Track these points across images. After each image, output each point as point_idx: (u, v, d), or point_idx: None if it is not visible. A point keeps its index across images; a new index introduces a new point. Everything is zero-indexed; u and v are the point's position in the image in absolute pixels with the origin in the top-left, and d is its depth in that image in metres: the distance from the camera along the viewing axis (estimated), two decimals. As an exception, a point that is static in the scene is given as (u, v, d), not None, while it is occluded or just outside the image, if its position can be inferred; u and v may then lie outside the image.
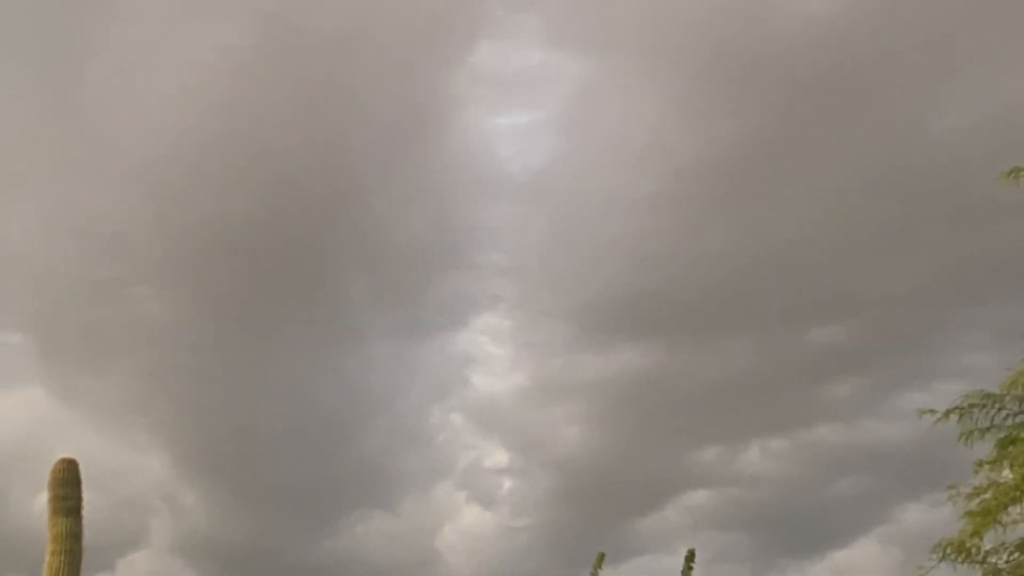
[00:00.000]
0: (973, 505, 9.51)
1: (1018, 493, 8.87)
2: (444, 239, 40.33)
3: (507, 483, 37.98)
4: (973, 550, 9.37)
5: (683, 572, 14.34)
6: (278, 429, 37.11)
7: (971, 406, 9.57)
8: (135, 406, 36.25)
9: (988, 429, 9.52)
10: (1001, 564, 9.23)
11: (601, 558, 14.73)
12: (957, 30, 31.71)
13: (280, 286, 38.12)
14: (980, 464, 9.54)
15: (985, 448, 9.61)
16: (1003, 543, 9.56)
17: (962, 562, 9.36)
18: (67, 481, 9.86)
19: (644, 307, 36.92)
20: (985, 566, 9.31)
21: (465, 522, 36.31)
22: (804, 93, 33.75)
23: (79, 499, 9.86)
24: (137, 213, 35.19)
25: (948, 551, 9.45)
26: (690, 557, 14.58)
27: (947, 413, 9.74)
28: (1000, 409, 9.47)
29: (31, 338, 37.18)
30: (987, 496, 9.40)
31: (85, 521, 9.93)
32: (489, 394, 40.13)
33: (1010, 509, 9.18)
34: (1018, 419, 9.27)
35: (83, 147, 36.46)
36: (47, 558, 9.69)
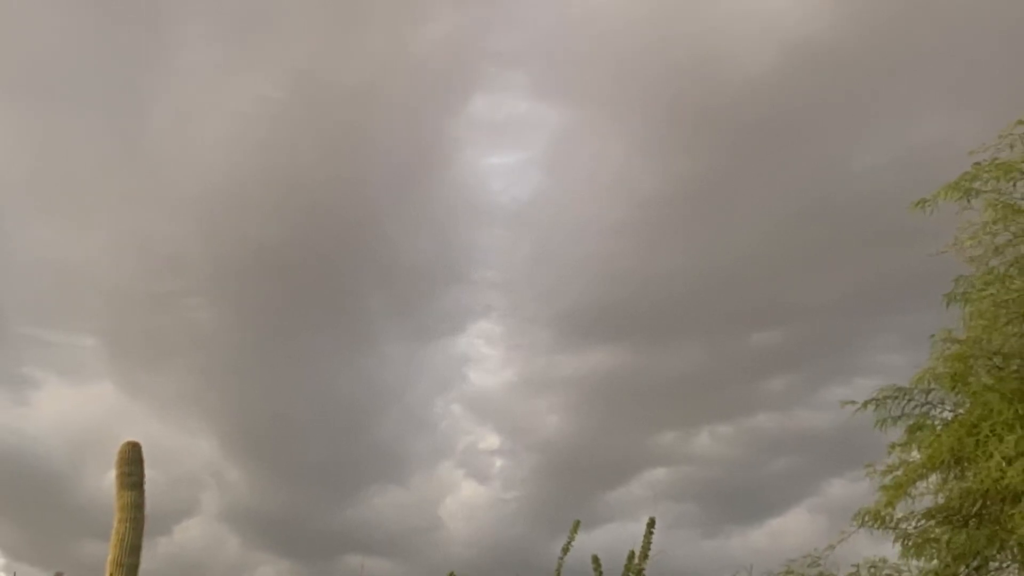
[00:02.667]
0: (887, 480, 9.64)
1: (924, 470, 9.14)
2: (446, 258, 41.12)
3: (498, 462, 38.33)
4: (887, 518, 9.56)
5: (645, 536, 14.44)
6: (307, 417, 37.62)
7: (885, 398, 9.79)
8: (188, 398, 36.73)
9: (899, 417, 9.77)
10: (911, 529, 9.46)
11: (577, 525, 14.94)
12: (873, 84, 32.37)
13: (309, 298, 38.82)
14: (893, 446, 9.77)
15: (897, 433, 9.81)
16: (912, 512, 9.73)
17: (877, 528, 9.36)
18: (132, 460, 10.02)
19: (612, 315, 37.77)
20: (897, 531, 9.47)
21: (463, 495, 36.54)
22: (745, 136, 34.58)
23: (142, 475, 10.02)
24: (190, 236, 35.96)
25: (866, 519, 9.64)
26: (651, 524, 14.75)
27: (865, 404, 9.77)
28: (909, 400, 9.71)
29: (102, 341, 37.77)
30: (898, 473, 9.59)
31: (146, 494, 9.93)
32: (483, 388, 40.70)
33: (918, 483, 9.34)
34: (924, 408, 9.45)
35: (145, 182, 37.14)
36: (115, 525, 9.84)
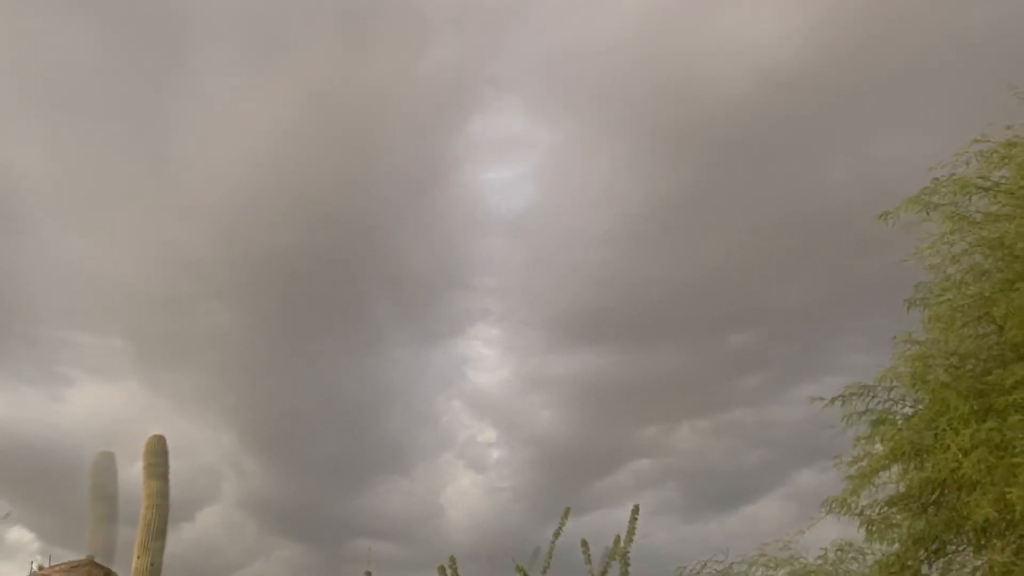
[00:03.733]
0: (852, 471, 9.74)
1: (887, 461, 9.37)
2: (447, 266, 41.64)
3: (495, 454, 38.77)
4: (852, 505, 9.66)
5: (630, 522, 14.58)
6: (318, 412, 38.01)
7: (851, 395, 9.78)
8: (208, 395, 37.12)
9: (864, 412, 9.76)
10: (874, 516, 9.56)
11: (567, 512, 15.29)
12: (841, 106, 32.82)
13: (320, 302, 39.25)
14: (858, 439, 9.79)
15: (861, 427, 9.80)
16: (875, 499, 9.76)
17: (844, 514, 9.47)
18: (158, 452, 10.17)
19: (601, 319, 38.29)
20: (862, 517, 9.54)
21: (463, 484, 36.92)
22: (724, 154, 35.12)
23: (167, 466, 10.15)
24: (210, 245, 36.46)
25: (833, 506, 9.71)
26: (635, 511, 15.16)
27: (832, 400, 9.77)
28: (873, 397, 9.81)
29: (129, 342, 38.26)
30: (863, 464, 9.69)
31: (171, 483, 10.04)
32: (481, 386, 41.16)
33: (881, 473, 9.53)
34: (886, 404, 9.65)
35: (169, 195, 37.65)
36: (142, 511, 9.98)
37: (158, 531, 9.76)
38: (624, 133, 38.90)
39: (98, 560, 23.64)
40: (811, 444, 9.86)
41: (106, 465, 10.15)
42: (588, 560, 14.84)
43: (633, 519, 14.77)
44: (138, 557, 9.63)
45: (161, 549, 9.76)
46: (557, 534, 14.93)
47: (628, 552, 14.33)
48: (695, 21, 37.23)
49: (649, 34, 36.93)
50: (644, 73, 36.99)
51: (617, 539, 14.51)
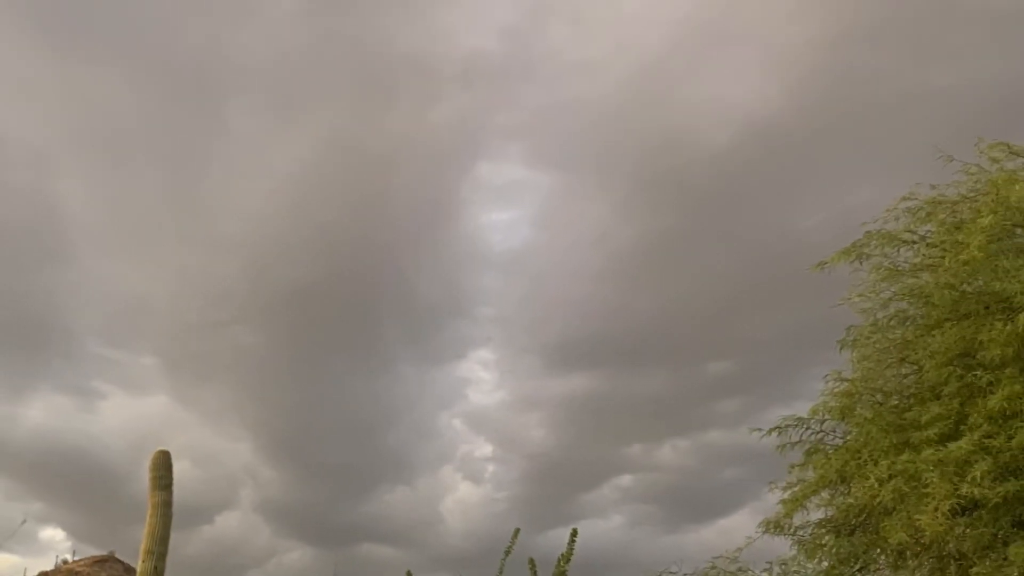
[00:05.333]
0: (786, 495, 9.98)
1: (817, 487, 9.51)
2: (451, 297, 42.23)
3: (491, 467, 38.90)
4: (786, 526, 9.56)
5: (568, 543, 14.65)
6: (331, 426, 38.33)
7: (787, 426, 10.01)
8: (231, 409, 37.54)
9: (798, 442, 9.98)
10: (805, 536, 9.55)
11: (516, 532, 14.88)
12: (812, 159, 33.24)
13: (335, 328, 39.80)
14: (792, 467, 10.09)
15: (796, 455, 10.05)
16: (807, 521, 10.01)
17: (778, 534, 9.64)
18: (162, 465, 10.36)
19: (591, 347, 38.66)
20: (795, 537, 9.56)
21: (461, 494, 37.05)
22: (706, 200, 35.75)
23: (171, 479, 10.30)
24: (236, 275, 37.19)
25: (769, 526, 9.85)
26: (574, 533, 14.64)
27: (770, 431, 9.89)
28: (807, 428, 10.11)
29: (160, 361, 38.79)
30: (796, 489, 9.96)
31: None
32: (480, 405, 41.51)
33: (812, 498, 9.55)
34: (818, 436, 9.81)
35: (200, 229, 38.32)
36: (147, 519, 10.26)
37: (161, 537, 9.96)
38: (615, 181, 39.88)
39: (118, 556, 23.56)
40: (781, 464, 9.94)
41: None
42: (535, 575, 14.69)
43: (572, 541, 14.47)
44: (143, 561, 9.80)
45: (164, 554, 9.99)
46: (508, 551, 14.55)
47: (565, 571, 14.04)
48: (682, 81, 38.11)
49: (640, 92, 37.83)
50: (634, 127, 37.84)
51: (560, 558, 14.21)
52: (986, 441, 7.88)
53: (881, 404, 9.42)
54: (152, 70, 38.58)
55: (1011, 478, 7.75)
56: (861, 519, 9.33)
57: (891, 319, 9.55)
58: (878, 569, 9.46)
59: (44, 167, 39.82)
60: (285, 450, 36.84)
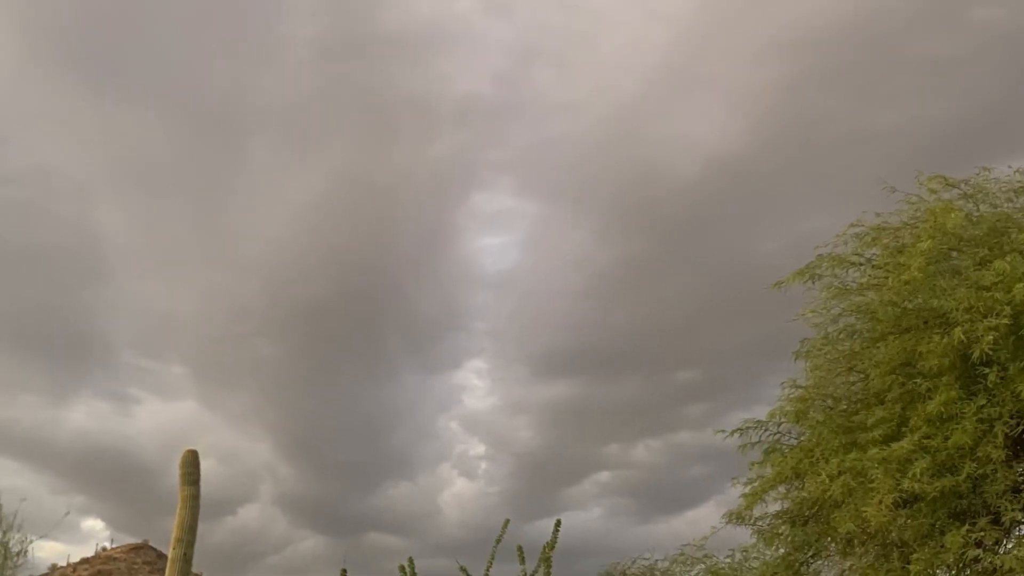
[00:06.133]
0: (747, 490, 10.50)
1: (774, 482, 9.95)
2: (449, 312, 43.82)
3: (484, 465, 40.04)
4: (747, 517, 9.96)
5: (553, 532, 14.87)
6: (341, 428, 39.61)
7: (747, 428, 10.57)
8: (252, 413, 38.83)
9: (757, 443, 10.26)
10: (764, 527, 9.88)
11: (506, 523, 15.39)
12: (772, 188, 34.72)
13: (346, 340, 41.23)
14: (753, 464, 10.57)
15: (756, 454, 10.53)
16: (766, 513, 10.43)
17: (740, 524, 10.06)
18: (191, 463, 10.91)
19: (573, 357, 40.38)
20: (754, 527, 9.99)
21: (457, 489, 38.06)
22: (675, 227, 37.68)
23: (198, 475, 10.79)
24: (257, 292, 38.67)
25: (732, 517, 10.08)
26: (557, 524, 15.19)
27: (732, 432, 10.31)
28: (765, 430, 10.46)
29: (189, 369, 40.23)
30: (756, 484, 10.30)
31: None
32: (474, 409, 42.82)
33: (770, 492, 9.88)
34: (775, 436, 10.29)
35: (224, 251, 39.76)
36: (178, 511, 10.70)
37: (190, 527, 10.48)
38: (595, 209, 42.02)
39: (152, 544, 24.21)
40: (743, 462, 10.40)
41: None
42: (522, 561, 15.05)
43: (555, 530, 14.86)
44: (174, 548, 10.32)
45: (192, 542, 10.53)
46: (499, 539, 14.87)
47: (550, 556, 14.37)
48: (655, 121, 40.09)
49: (617, 130, 39.91)
50: (612, 161, 39.78)
51: (545, 545, 14.50)
52: (925, 442, 8.22)
53: (831, 408, 9.82)
54: (182, 110, 40.28)
55: (947, 474, 8.07)
56: (814, 511, 9.70)
57: (840, 333, 9.96)
58: (829, 555, 10.01)
59: (86, 197, 41.53)
60: (300, 449, 38.16)
